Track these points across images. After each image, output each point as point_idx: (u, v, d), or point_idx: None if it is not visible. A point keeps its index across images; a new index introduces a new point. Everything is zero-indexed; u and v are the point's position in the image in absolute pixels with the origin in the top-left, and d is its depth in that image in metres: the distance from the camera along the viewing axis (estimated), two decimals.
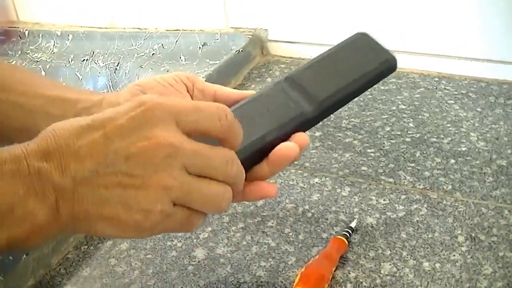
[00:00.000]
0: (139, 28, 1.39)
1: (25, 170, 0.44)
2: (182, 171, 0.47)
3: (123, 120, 0.46)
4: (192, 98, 0.64)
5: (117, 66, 1.33)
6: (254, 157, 0.58)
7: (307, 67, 0.64)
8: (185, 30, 1.33)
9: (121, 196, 0.45)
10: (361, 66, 0.64)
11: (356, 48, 0.65)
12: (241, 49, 1.23)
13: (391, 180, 0.87)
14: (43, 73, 1.39)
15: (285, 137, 0.59)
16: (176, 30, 1.34)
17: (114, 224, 0.46)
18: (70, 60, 1.39)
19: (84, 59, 1.37)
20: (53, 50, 1.44)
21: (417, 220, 0.79)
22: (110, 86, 1.33)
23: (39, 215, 0.43)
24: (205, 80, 1.06)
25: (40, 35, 1.47)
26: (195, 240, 0.78)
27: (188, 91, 0.64)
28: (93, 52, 1.39)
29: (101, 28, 1.44)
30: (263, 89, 0.64)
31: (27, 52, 1.46)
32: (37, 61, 1.41)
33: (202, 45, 1.29)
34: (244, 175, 0.54)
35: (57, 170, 0.44)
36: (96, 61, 1.36)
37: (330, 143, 0.96)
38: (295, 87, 0.62)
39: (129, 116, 0.46)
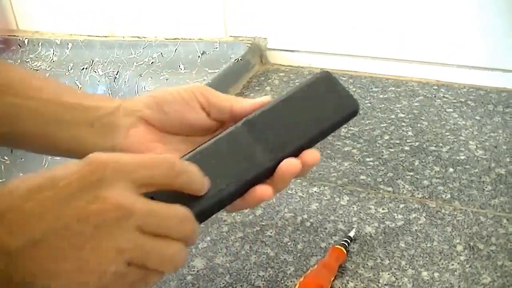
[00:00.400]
0: (138, 37, 1.39)
1: None
2: (136, 232, 0.46)
3: (73, 179, 0.45)
4: (208, 115, 0.63)
5: (116, 74, 1.33)
6: (213, 209, 0.57)
7: (267, 110, 0.62)
8: (184, 39, 1.34)
9: (75, 256, 0.44)
10: (322, 114, 0.62)
11: (318, 92, 0.63)
12: (240, 58, 1.23)
13: (390, 189, 0.87)
14: None
15: (244, 189, 0.58)
16: (175, 38, 1.34)
17: (73, 283, 0.45)
18: (69, 69, 1.39)
19: (83, 68, 1.38)
20: (52, 59, 1.44)
21: (416, 229, 0.79)
22: (109, 95, 1.33)
23: None
24: None
25: (40, 44, 1.48)
26: (194, 250, 0.78)
27: (203, 108, 0.63)
28: (93, 61, 1.39)
29: (101, 36, 1.44)
30: (222, 133, 0.62)
31: (27, 60, 1.46)
32: (37, 70, 1.41)
33: (201, 54, 1.29)
34: (197, 233, 0.53)
35: (6, 233, 0.43)
36: (95, 70, 1.36)
37: (329, 152, 0.96)
38: (253, 134, 0.60)
39: (80, 175, 0.46)
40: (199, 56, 1.29)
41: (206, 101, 0.63)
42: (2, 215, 0.43)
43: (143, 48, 1.35)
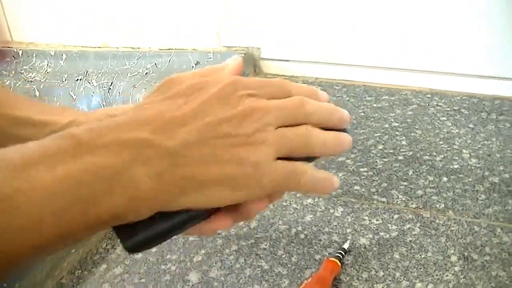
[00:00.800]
0: (132, 48, 1.39)
1: (127, 138, 0.43)
2: (275, 126, 0.47)
3: (214, 89, 0.47)
4: None
5: (110, 85, 1.33)
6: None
7: None
8: (178, 49, 1.34)
9: (230, 153, 0.45)
10: None
11: None
12: None
13: (384, 199, 0.87)
14: (37, 93, 1.39)
15: None
16: (169, 49, 1.34)
17: (225, 183, 0.45)
18: (64, 80, 1.39)
19: (78, 79, 1.38)
20: (47, 70, 1.44)
21: (410, 240, 0.79)
22: (104, 106, 1.33)
23: (142, 182, 0.43)
24: None
25: (34, 55, 1.48)
26: (188, 263, 0.78)
27: None
28: (87, 72, 1.39)
29: (95, 47, 1.44)
30: None
31: (21, 72, 1.46)
32: (31, 81, 1.41)
33: (195, 64, 1.29)
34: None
35: (163, 135, 0.44)
36: (89, 81, 1.36)
37: (323, 162, 0.96)
38: None
39: (219, 88, 0.47)
40: (193, 67, 1.29)
41: None
42: (154, 120, 0.44)
43: (137, 59, 1.35)
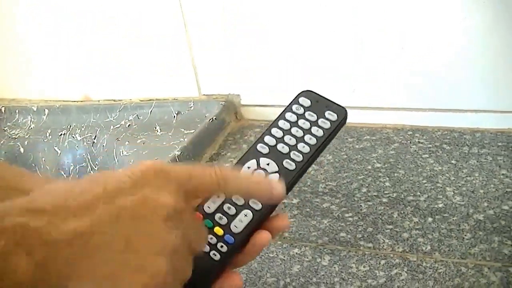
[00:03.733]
0: (114, 100, 1.40)
1: (9, 224, 0.42)
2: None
3: (124, 179, 0.46)
4: None
5: (94, 139, 1.33)
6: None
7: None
8: (158, 100, 1.34)
9: (126, 256, 0.44)
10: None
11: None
12: (214, 117, 1.24)
13: (370, 245, 0.87)
14: (21, 149, 1.39)
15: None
16: (150, 100, 1.35)
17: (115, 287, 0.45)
18: (47, 135, 1.39)
19: (61, 133, 1.38)
20: (30, 126, 1.45)
21: (398, 286, 0.79)
22: (88, 160, 1.33)
23: (21, 271, 0.41)
24: (180, 153, 1.08)
25: (17, 111, 1.48)
26: None
27: None
28: (70, 126, 1.39)
29: (76, 101, 1.44)
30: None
31: (5, 129, 1.46)
32: (15, 138, 1.41)
33: (177, 114, 1.29)
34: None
35: (51, 225, 0.43)
36: (73, 135, 1.36)
37: (308, 210, 0.97)
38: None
39: (130, 175, 0.47)
40: (174, 117, 1.29)
41: None
42: (48, 209, 0.43)
43: (119, 111, 1.35)
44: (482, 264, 0.81)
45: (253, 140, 1.22)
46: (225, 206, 0.59)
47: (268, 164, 0.60)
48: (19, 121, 1.47)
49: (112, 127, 1.34)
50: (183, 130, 1.23)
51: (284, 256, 0.87)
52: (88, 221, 0.44)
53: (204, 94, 1.32)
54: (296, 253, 0.88)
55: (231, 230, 0.57)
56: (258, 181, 0.56)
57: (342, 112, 0.63)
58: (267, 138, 0.62)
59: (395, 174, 1.03)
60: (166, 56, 1.32)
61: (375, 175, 1.03)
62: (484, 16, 1.05)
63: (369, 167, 1.06)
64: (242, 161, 0.61)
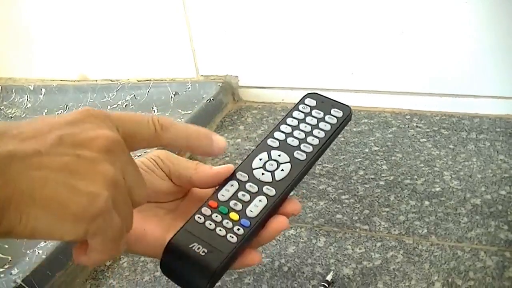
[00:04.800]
0: (111, 80, 1.39)
1: None
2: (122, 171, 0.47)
3: (65, 118, 0.46)
4: (171, 181, 0.64)
5: None
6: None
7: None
8: (156, 80, 1.33)
9: (66, 177, 0.43)
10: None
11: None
12: (212, 98, 1.23)
13: (366, 227, 0.87)
14: None
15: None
16: (148, 80, 1.34)
17: (51, 209, 0.43)
18: (44, 114, 1.38)
19: (58, 113, 1.37)
20: (26, 105, 1.44)
21: (393, 268, 0.78)
22: None
23: None
24: None
25: (13, 90, 1.47)
26: None
27: (167, 175, 0.64)
28: (67, 106, 1.38)
29: (73, 81, 1.43)
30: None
31: (1, 108, 1.45)
32: (11, 117, 1.41)
33: (174, 95, 1.29)
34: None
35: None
36: None
37: (304, 191, 0.96)
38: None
39: (70, 115, 0.47)
40: (171, 97, 1.28)
41: (168, 168, 0.63)
42: None
43: (116, 91, 1.35)
44: (478, 248, 0.80)
45: (251, 121, 1.21)
46: (240, 194, 0.60)
47: (279, 155, 0.61)
48: (16, 100, 1.46)
49: (109, 107, 1.33)
50: (180, 110, 1.22)
51: (280, 237, 0.87)
52: (32, 144, 0.43)
53: (202, 75, 1.32)
54: (292, 234, 0.87)
55: (246, 215, 0.58)
56: (197, 130, 0.56)
57: (347, 110, 0.65)
58: (277, 134, 0.63)
59: (393, 158, 1.02)
60: (164, 37, 1.31)
61: (372, 158, 1.03)
62: (485, 1, 1.04)
63: (367, 150, 1.05)
64: (252, 155, 0.63)
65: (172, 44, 1.31)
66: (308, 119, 0.64)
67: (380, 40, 1.14)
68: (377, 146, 1.06)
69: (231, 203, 0.59)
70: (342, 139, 1.09)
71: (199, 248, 0.57)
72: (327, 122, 0.63)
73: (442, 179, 0.95)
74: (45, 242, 0.85)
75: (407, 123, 1.13)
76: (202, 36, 1.27)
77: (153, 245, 0.59)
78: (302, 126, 0.63)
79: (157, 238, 0.60)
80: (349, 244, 0.84)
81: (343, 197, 0.94)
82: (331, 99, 0.66)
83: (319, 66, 1.20)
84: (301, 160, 0.61)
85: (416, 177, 0.96)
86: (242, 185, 0.60)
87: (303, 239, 0.86)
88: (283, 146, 0.62)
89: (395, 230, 0.85)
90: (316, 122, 0.63)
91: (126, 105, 1.32)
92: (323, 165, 1.02)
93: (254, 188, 0.59)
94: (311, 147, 0.61)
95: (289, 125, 0.64)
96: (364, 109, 1.19)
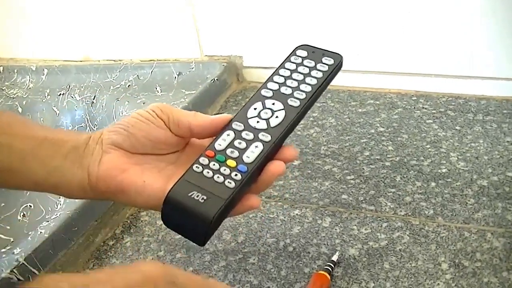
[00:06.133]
0: (114, 60, 1.38)
1: None
2: None
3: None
4: (170, 131, 0.64)
5: (93, 99, 1.31)
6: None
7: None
8: (159, 60, 1.32)
9: None
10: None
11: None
12: (216, 78, 1.22)
13: (372, 207, 0.86)
14: (19, 109, 1.37)
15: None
16: (151, 60, 1.33)
17: None
18: (46, 95, 1.37)
19: (60, 93, 1.36)
20: (29, 86, 1.43)
21: (399, 249, 0.78)
22: (87, 120, 1.31)
23: None
24: None
25: (15, 71, 1.46)
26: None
27: (165, 125, 0.64)
28: (69, 86, 1.37)
29: (76, 61, 1.42)
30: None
31: (3, 88, 1.44)
32: (13, 98, 1.40)
33: (178, 75, 1.28)
34: None
35: None
36: (72, 95, 1.34)
37: (309, 171, 0.95)
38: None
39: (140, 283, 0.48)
40: (175, 77, 1.27)
41: (166, 117, 0.64)
42: None
43: (119, 71, 1.34)
44: (485, 229, 0.80)
45: None
46: (236, 142, 0.61)
47: (273, 104, 0.63)
48: (18, 81, 1.45)
49: (112, 87, 1.32)
50: (184, 91, 1.21)
51: (285, 217, 0.86)
52: None
53: (206, 55, 1.30)
54: (297, 214, 0.87)
55: (243, 161, 0.60)
56: None
57: (338, 57, 0.67)
58: (270, 84, 0.65)
59: (398, 139, 1.01)
60: (168, 16, 1.30)
61: (378, 139, 1.02)
62: None
63: (372, 130, 1.04)
64: (247, 105, 0.64)
65: (176, 24, 1.30)
66: (300, 68, 0.65)
67: (386, 20, 1.13)
68: (383, 127, 1.05)
69: (228, 151, 0.60)
70: (348, 119, 1.08)
71: (198, 195, 0.57)
72: (318, 70, 0.65)
73: (448, 161, 0.94)
74: (48, 221, 0.85)
75: (413, 104, 1.12)
76: (206, 16, 1.26)
77: (153, 197, 0.61)
78: (294, 75, 0.65)
79: (157, 190, 0.61)
80: (355, 225, 0.83)
81: (348, 177, 0.93)
82: (322, 49, 0.67)
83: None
84: (295, 106, 0.62)
85: (422, 158, 0.95)
86: (238, 134, 0.62)
87: (308, 219, 0.85)
88: (277, 95, 0.63)
89: (401, 211, 0.84)
90: (308, 70, 0.65)
91: (129, 85, 1.30)
92: (328, 146, 1.01)
93: (250, 136, 0.61)
94: (304, 94, 0.63)
95: (281, 75, 0.65)
96: (370, 90, 1.18)
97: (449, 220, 0.82)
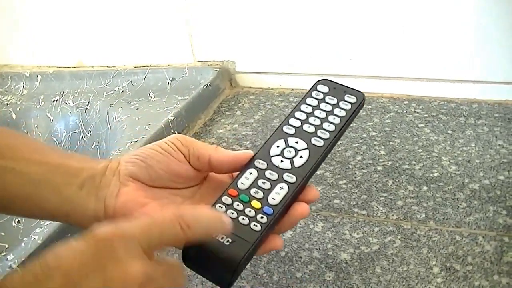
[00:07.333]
0: (107, 66, 1.38)
1: None
2: None
3: (84, 258, 0.45)
4: (190, 164, 0.64)
5: (87, 105, 1.31)
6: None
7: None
8: (153, 66, 1.33)
9: None
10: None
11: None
12: (209, 83, 1.22)
13: (364, 212, 0.86)
14: (13, 116, 1.37)
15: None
16: (144, 66, 1.33)
17: None
18: (40, 101, 1.38)
19: (54, 100, 1.36)
20: (22, 92, 1.43)
21: (391, 253, 0.78)
22: (81, 126, 1.32)
23: None
24: (174, 118, 1.07)
25: (9, 77, 1.46)
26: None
27: (185, 158, 0.64)
28: (63, 92, 1.37)
29: (70, 67, 1.42)
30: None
31: None
32: (7, 104, 1.40)
33: (171, 81, 1.28)
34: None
35: None
36: (66, 101, 1.35)
37: None
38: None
39: (91, 254, 0.46)
40: (168, 83, 1.28)
41: (187, 150, 0.63)
42: None
43: (112, 77, 1.34)
44: (476, 233, 0.80)
45: (248, 107, 1.21)
46: (260, 182, 0.60)
47: (296, 142, 0.62)
48: (12, 87, 1.46)
49: (105, 93, 1.32)
50: (177, 96, 1.21)
51: None
52: None
53: (199, 61, 1.31)
54: None
55: (268, 202, 0.59)
56: (214, 219, 0.55)
57: (360, 95, 0.66)
58: (292, 121, 0.64)
59: (391, 143, 1.02)
60: (161, 22, 1.30)
61: (370, 143, 1.02)
62: None
63: (364, 135, 1.05)
64: (269, 142, 0.63)
65: (169, 30, 1.30)
66: (322, 105, 0.64)
67: (379, 25, 1.13)
68: (375, 132, 1.06)
69: (252, 191, 0.59)
70: None
71: (223, 238, 0.57)
72: (341, 108, 0.64)
73: (440, 164, 0.95)
74: (41, 227, 0.85)
75: (405, 108, 1.12)
76: (199, 21, 1.26)
77: None
78: (317, 112, 0.64)
79: None
80: (347, 229, 0.83)
81: (340, 182, 0.93)
82: (343, 85, 0.66)
83: (317, 52, 1.20)
84: (318, 146, 0.61)
85: (414, 162, 0.96)
86: (261, 173, 0.61)
87: (300, 224, 0.86)
88: (300, 133, 0.63)
89: (393, 215, 0.85)
90: (331, 108, 0.64)
91: (122, 91, 1.31)
92: None
93: (274, 176, 0.60)
94: (327, 133, 0.62)
95: (303, 111, 0.64)
96: None
97: (441, 224, 0.82)
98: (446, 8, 1.07)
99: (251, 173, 0.61)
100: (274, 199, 0.59)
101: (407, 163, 0.96)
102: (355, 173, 0.95)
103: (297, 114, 0.65)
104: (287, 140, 0.63)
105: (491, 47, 1.08)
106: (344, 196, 0.90)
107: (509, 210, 0.83)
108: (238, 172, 0.62)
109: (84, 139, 1.32)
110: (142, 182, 0.63)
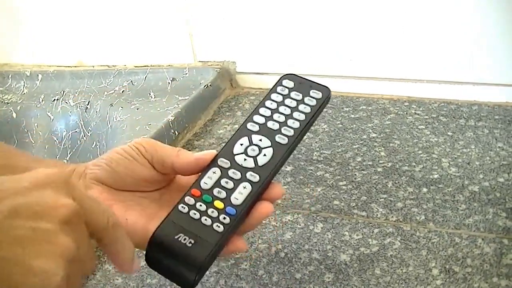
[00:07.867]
0: (108, 66, 1.38)
1: None
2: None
3: (25, 181, 0.45)
4: (154, 169, 0.64)
5: (87, 104, 1.32)
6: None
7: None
8: (153, 66, 1.33)
9: (18, 255, 0.41)
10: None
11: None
12: (209, 84, 1.22)
13: (363, 213, 0.86)
14: (14, 115, 1.37)
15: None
16: (145, 66, 1.33)
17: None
18: (40, 100, 1.38)
19: (54, 99, 1.36)
20: (23, 91, 1.43)
21: (390, 255, 0.78)
22: (82, 125, 1.32)
23: None
24: (174, 118, 1.07)
25: (10, 76, 1.46)
26: (168, 286, 0.77)
27: (150, 162, 0.64)
28: (63, 92, 1.37)
29: (70, 66, 1.42)
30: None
31: None
32: (8, 103, 1.40)
33: (171, 81, 1.28)
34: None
35: None
36: (66, 101, 1.35)
37: (301, 177, 0.96)
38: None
39: (30, 178, 0.46)
40: (169, 83, 1.28)
41: (150, 156, 0.63)
42: None
43: (113, 77, 1.34)
44: (476, 235, 0.80)
45: (248, 108, 1.21)
46: (223, 181, 0.60)
47: (260, 140, 0.62)
48: (12, 86, 1.46)
49: (106, 93, 1.32)
50: (177, 96, 1.21)
51: (277, 223, 0.86)
52: None
53: (199, 61, 1.31)
54: (289, 220, 0.87)
55: (231, 203, 0.58)
56: (128, 250, 0.55)
57: (326, 91, 0.66)
58: (256, 117, 0.63)
59: (391, 144, 1.02)
60: (161, 22, 1.30)
61: (370, 145, 1.02)
62: None
63: (365, 136, 1.05)
64: (233, 140, 0.63)
65: (170, 30, 1.30)
66: (287, 101, 0.64)
67: (379, 26, 1.13)
68: (375, 133, 1.06)
69: (215, 191, 0.59)
70: (340, 125, 1.09)
71: (185, 239, 0.56)
72: (306, 104, 0.63)
73: (440, 166, 0.95)
74: None
75: (405, 109, 1.12)
76: (199, 21, 1.27)
77: (135, 235, 0.59)
78: (281, 108, 0.63)
79: (139, 228, 0.60)
80: (347, 230, 0.83)
81: (340, 183, 0.93)
82: (309, 80, 0.66)
83: (318, 53, 1.20)
84: (283, 144, 0.61)
85: (414, 164, 0.96)
86: (224, 172, 0.60)
87: (300, 225, 0.86)
88: (264, 130, 0.62)
89: (392, 217, 0.85)
90: (296, 104, 0.63)
91: (123, 91, 1.31)
92: (320, 151, 1.02)
93: (237, 175, 0.60)
94: (292, 131, 0.61)
95: (268, 108, 0.64)
96: (362, 96, 1.18)
97: (440, 225, 0.82)
98: (446, 10, 1.07)
99: (214, 172, 0.61)
100: (237, 199, 0.58)
101: (407, 164, 0.96)
102: (355, 174, 0.95)
103: (262, 110, 0.64)
104: (251, 138, 0.62)
105: (491, 49, 1.08)
106: (343, 197, 0.90)
107: (508, 212, 0.83)
108: None
109: (84, 138, 1.32)
110: (108, 185, 0.64)
